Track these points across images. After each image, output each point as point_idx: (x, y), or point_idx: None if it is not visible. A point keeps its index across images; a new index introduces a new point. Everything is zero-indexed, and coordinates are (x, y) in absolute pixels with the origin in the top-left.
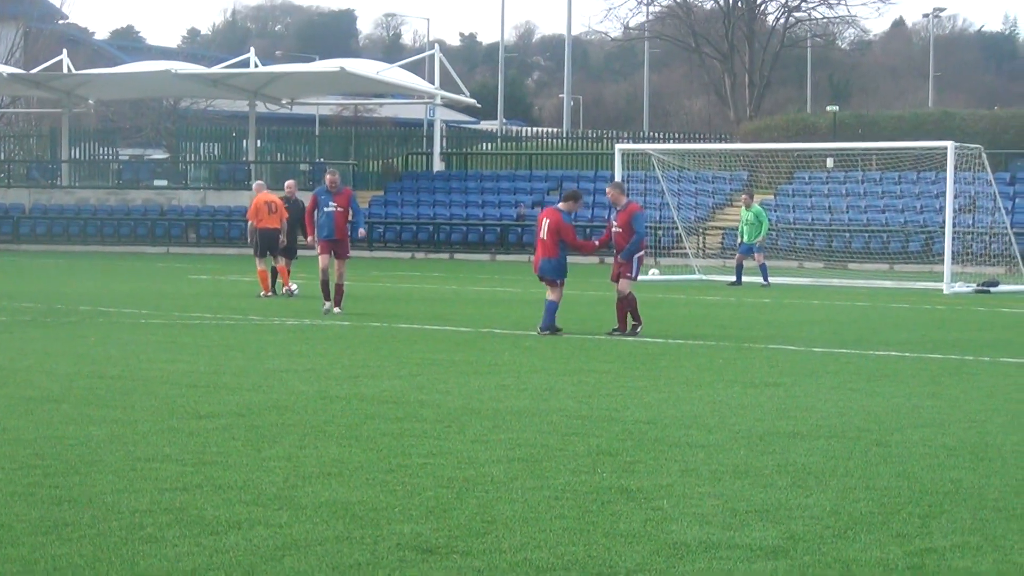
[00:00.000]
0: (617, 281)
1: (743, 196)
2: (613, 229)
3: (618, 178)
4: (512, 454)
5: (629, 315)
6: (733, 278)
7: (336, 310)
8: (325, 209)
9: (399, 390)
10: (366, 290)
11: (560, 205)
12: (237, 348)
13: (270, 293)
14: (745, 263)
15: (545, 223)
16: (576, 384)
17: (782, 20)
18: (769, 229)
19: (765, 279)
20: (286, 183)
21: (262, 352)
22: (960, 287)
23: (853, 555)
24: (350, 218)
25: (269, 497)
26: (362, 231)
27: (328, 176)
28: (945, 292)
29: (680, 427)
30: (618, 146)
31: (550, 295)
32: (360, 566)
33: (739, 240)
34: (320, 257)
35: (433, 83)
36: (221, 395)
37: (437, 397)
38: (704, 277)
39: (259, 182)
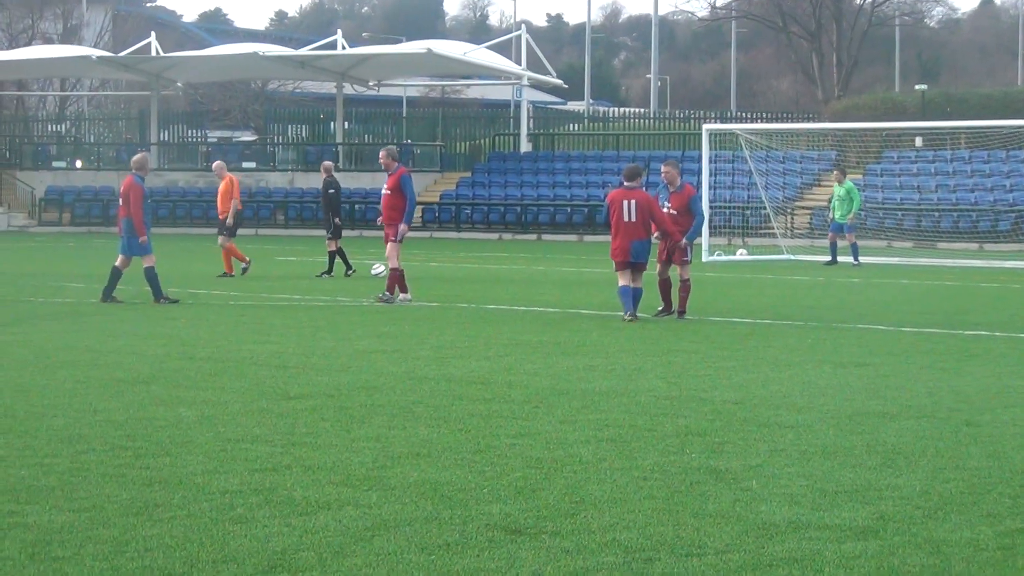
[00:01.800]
0: (664, 263)
1: (835, 172)
2: (667, 211)
3: (706, 159)
4: (600, 434)
5: (662, 297)
6: (828, 258)
7: (399, 297)
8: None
9: (487, 371)
10: (454, 271)
11: (634, 183)
12: (326, 329)
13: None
14: (838, 242)
15: (632, 204)
16: (664, 364)
17: None
18: (860, 208)
19: (856, 259)
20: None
21: (351, 333)
22: None
23: (943, 535)
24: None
25: (358, 477)
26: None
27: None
28: None
29: (769, 407)
30: (705, 126)
31: (637, 281)
32: (449, 546)
33: (830, 217)
34: None
35: (520, 64)
36: (310, 376)
37: (525, 378)
38: (792, 257)
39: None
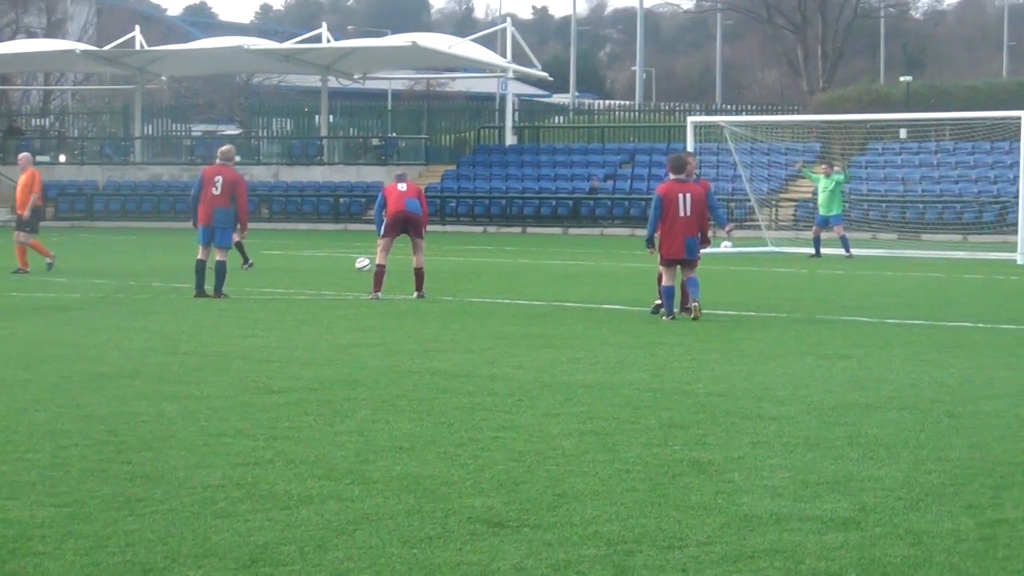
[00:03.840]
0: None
1: (822, 166)
2: None
3: (691, 151)
4: (583, 427)
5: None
6: (811, 251)
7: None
8: None
9: (470, 364)
10: (439, 264)
11: (683, 175)
12: (309, 323)
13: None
14: (823, 235)
15: (687, 198)
16: (648, 357)
17: None
18: (843, 204)
19: (847, 251)
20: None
21: (334, 327)
22: None
23: (924, 526)
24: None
25: (341, 471)
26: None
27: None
28: (1019, 262)
29: (752, 399)
30: (690, 118)
31: (689, 273)
32: (431, 539)
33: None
34: None
35: (505, 57)
36: (293, 370)
37: (508, 371)
38: (776, 249)
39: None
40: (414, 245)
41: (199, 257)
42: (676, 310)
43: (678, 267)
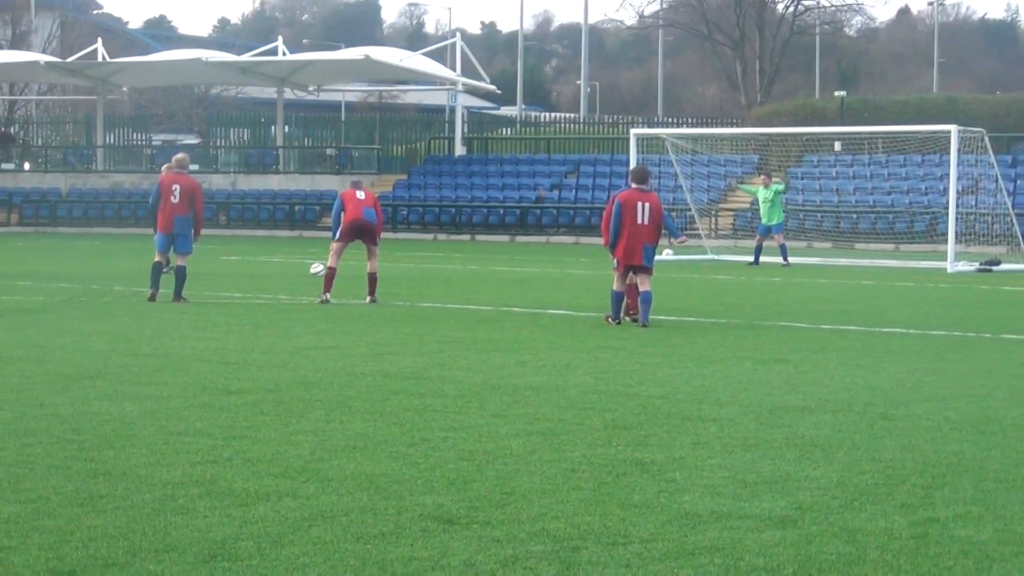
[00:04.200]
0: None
1: (761, 177)
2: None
3: (633, 163)
4: (530, 428)
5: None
6: (750, 259)
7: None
8: None
9: (421, 367)
10: (390, 270)
11: (646, 186)
12: (266, 326)
13: None
14: (764, 244)
15: (646, 207)
16: (592, 360)
17: (791, 8)
18: (783, 214)
19: (784, 259)
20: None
21: (290, 330)
22: (963, 266)
23: (859, 525)
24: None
25: (296, 470)
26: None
27: None
28: (949, 271)
29: (692, 402)
30: (633, 131)
31: (645, 284)
32: (384, 536)
33: (760, 221)
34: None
35: (455, 70)
36: (250, 372)
37: (458, 373)
38: (716, 257)
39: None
40: (368, 251)
41: (156, 260)
42: (622, 315)
43: (631, 273)
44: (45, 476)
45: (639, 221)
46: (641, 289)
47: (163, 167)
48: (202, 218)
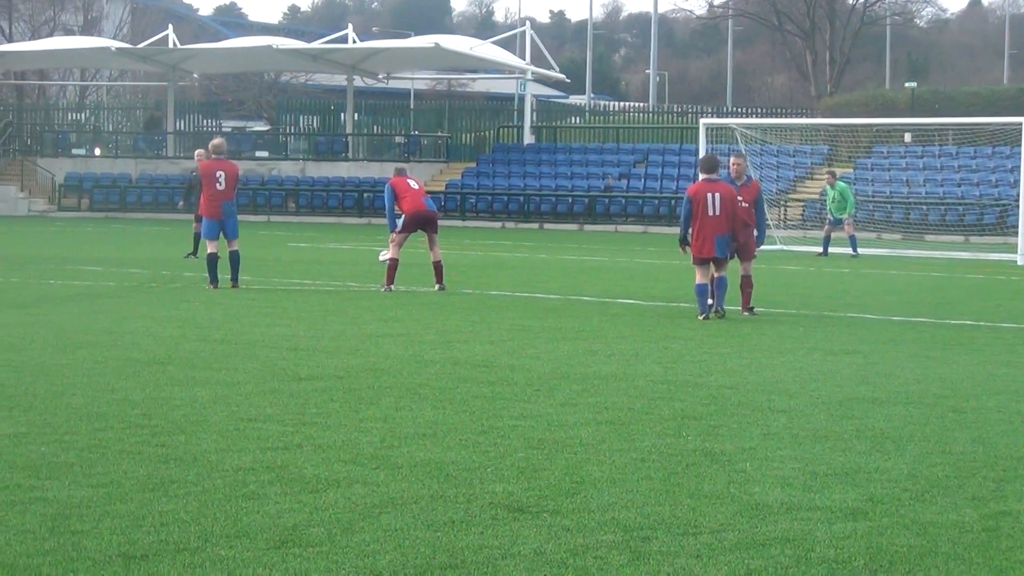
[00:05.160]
0: (736, 257)
1: (827, 175)
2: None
3: (703, 152)
4: (600, 417)
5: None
6: (819, 249)
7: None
8: None
9: (490, 355)
10: (459, 258)
11: (715, 175)
12: (335, 313)
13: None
14: (833, 235)
15: (716, 198)
16: (661, 350)
17: None
18: (854, 204)
19: (854, 250)
20: (196, 152)
21: (359, 317)
22: None
23: (930, 517)
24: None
25: (367, 457)
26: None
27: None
28: (1019, 263)
29: (762, 392)
30: (702, 120)
31: (721, 270)
32: (454, 523)
33: (829, 218)
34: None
35: (524, 59)
36: (320, 358)
37: (527, 362)
38: (785, 248)
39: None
40: (430, 240)
41: (211, 251)
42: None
43: (711, 265)
44: (117, 461)
45: (710, 213)
46: (718, 275)
47: (196, 153)
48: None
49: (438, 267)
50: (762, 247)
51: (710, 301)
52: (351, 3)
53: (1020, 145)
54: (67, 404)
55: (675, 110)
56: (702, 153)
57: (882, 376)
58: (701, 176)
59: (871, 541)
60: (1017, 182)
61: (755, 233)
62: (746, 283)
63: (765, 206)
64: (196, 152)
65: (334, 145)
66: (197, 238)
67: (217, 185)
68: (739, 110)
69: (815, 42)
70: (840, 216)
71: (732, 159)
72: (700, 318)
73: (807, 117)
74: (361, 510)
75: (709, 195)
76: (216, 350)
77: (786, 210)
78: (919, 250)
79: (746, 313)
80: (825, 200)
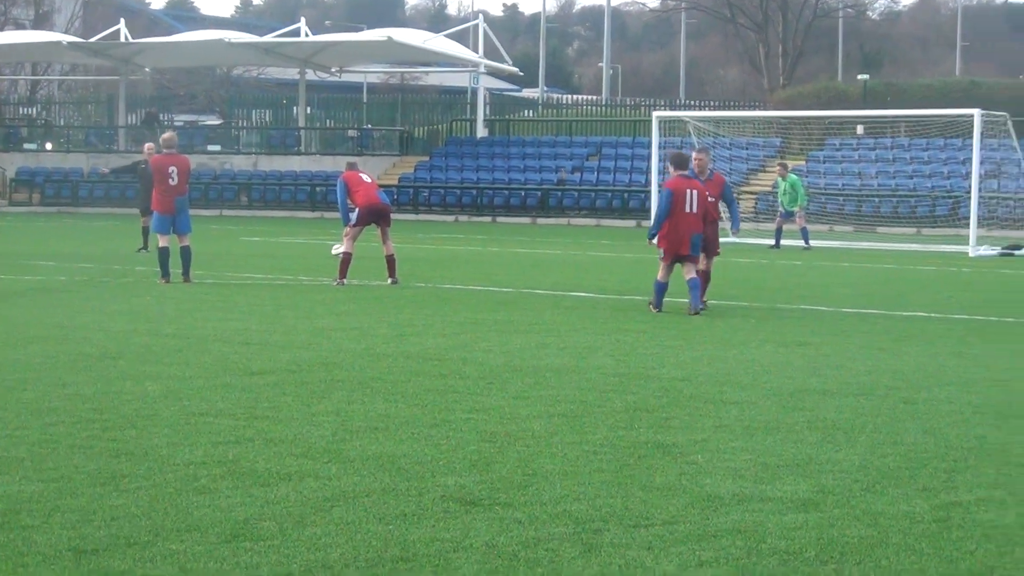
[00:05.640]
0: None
1: (778, 167)
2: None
3: (655, 145)
4: (552, 410)
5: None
6: (771, 242)
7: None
8: None
9: (443, 348)
10: (411, 252)
11: (687, 171)
12: (287, 307)
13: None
14: (785, 227)
15: (694, 195)
16: (613, 343)
17: None
18: (805, 196)
19: (806, 242)
20: (145, 145)
21: (311, 311)
22: (985, 250)
23: (881, 508)
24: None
25: (318, 450)
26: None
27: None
28: (971, 255)
29: (714, 384)
30: (655, 113)
31: (691, 272)
32: (406, 517)
33: (780, 210)
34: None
35: (477, 52)
36: (272, 352)
37: (479, 355)
38: (737, 240)
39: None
40: (383, 234)
41: (162, 245)
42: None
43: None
44: (67, 455)
45: (687, 210)
46: (687, 277)
47: (147, 146)
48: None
49: (391, 261)
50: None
51: (694, 311)
52: None
53: (972, 137)
54: (17, 399)
55: (628, 103)
56: (655, 146)
57: (833, 368)
58: (674, 172)
59: (822, 532)
60: (969, 174)
61: (731, 224)
62: (704, 278)
63: (734, 194)
64: (145, 145)
65: (287, 139)
66: (146, 232)
67: (170, 180)
68: (692, 103)
69: (768, 35)
70: (791, 209)
71: (695, 154)
72: (653, 311)
73: (760, 110)
74: (313, 504)
75: (688, 192)
76: (167, 344)
77: (739, 203)
78: (871, 242)
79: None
80: (777, 192)
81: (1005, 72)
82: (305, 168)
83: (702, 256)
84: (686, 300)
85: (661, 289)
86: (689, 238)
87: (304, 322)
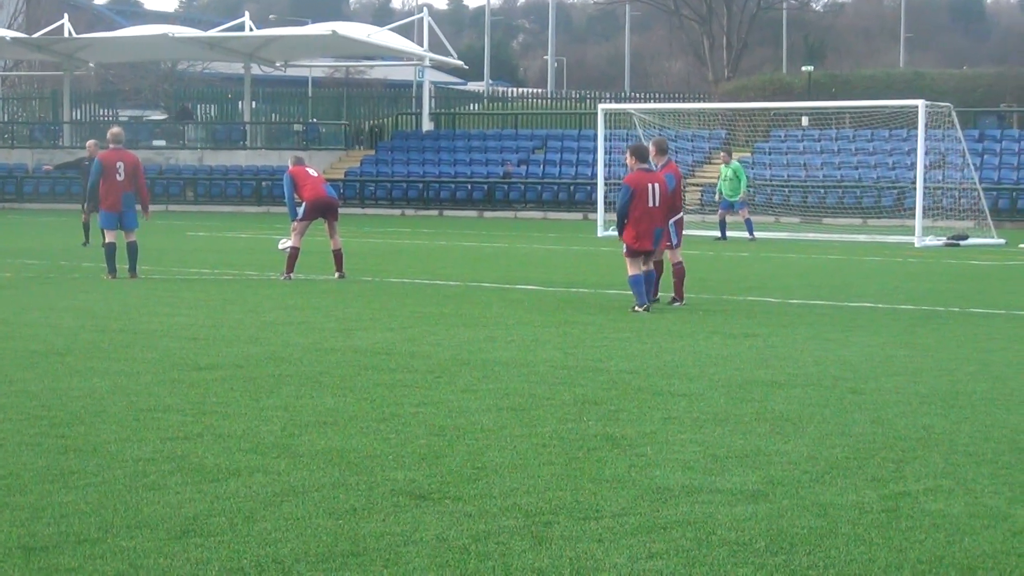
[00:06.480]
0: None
1: (722, 154)
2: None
3: (601, 138)
4: (501, 403)
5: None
6: (717, 234)
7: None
8: None
9: (391, 342)
10: (358, 246)
11: (648, 165)
12: (235, 302)
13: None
14: (728, 218)
15: (655, 188)
16: (561, 336)
17: None
18: (748, 185)
19: (751, 234)
20: (88, 143)
21: (259, 306)
22: (931, 240)
23: (829, 498)
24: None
25: (267, 445)
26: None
27: None
28: (916, 245)
29: (662, 376)
30: (601, 106)
31: (648, 264)
32: (356, 511)
33: (717, 196)
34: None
35: (422, 46)
36: (220, 347)
37: (428, 349)
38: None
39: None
40: (331, 228)
41: (108, 241)
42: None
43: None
44: (15, 453)
45: (650, 204)
46: (647, 269)
47: (89, 143)
48: (147, 192)
49: (338, 255)
50: None
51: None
52: None
53: (916, 128)
54: None
55: (573, 96)
56: (601, 138)
57: (781, 359)
58: (635, 165)
59: (772, 523)
60: (913, 165)
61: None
62: (658, 269)
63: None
64: (88, 142)
65: (232, 133)
66: (87, 227)
67: (117, 176)
68: (637, 95)
69: (712, 27)
70: (732, 198)
71: (652, 145)
72: (639, 310)
73: (705, 102)
74: (262, 499)
75: (649, 185)
76: (115, 340)
77: (684, 195)
78: (817, 233)
79: (679, 303)
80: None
81: (948, 63)
82: (251, 163)
83: (671, 248)
84: (627, 293)
85: (638, 283)
86: (652, 233)
87: (251, 317)
